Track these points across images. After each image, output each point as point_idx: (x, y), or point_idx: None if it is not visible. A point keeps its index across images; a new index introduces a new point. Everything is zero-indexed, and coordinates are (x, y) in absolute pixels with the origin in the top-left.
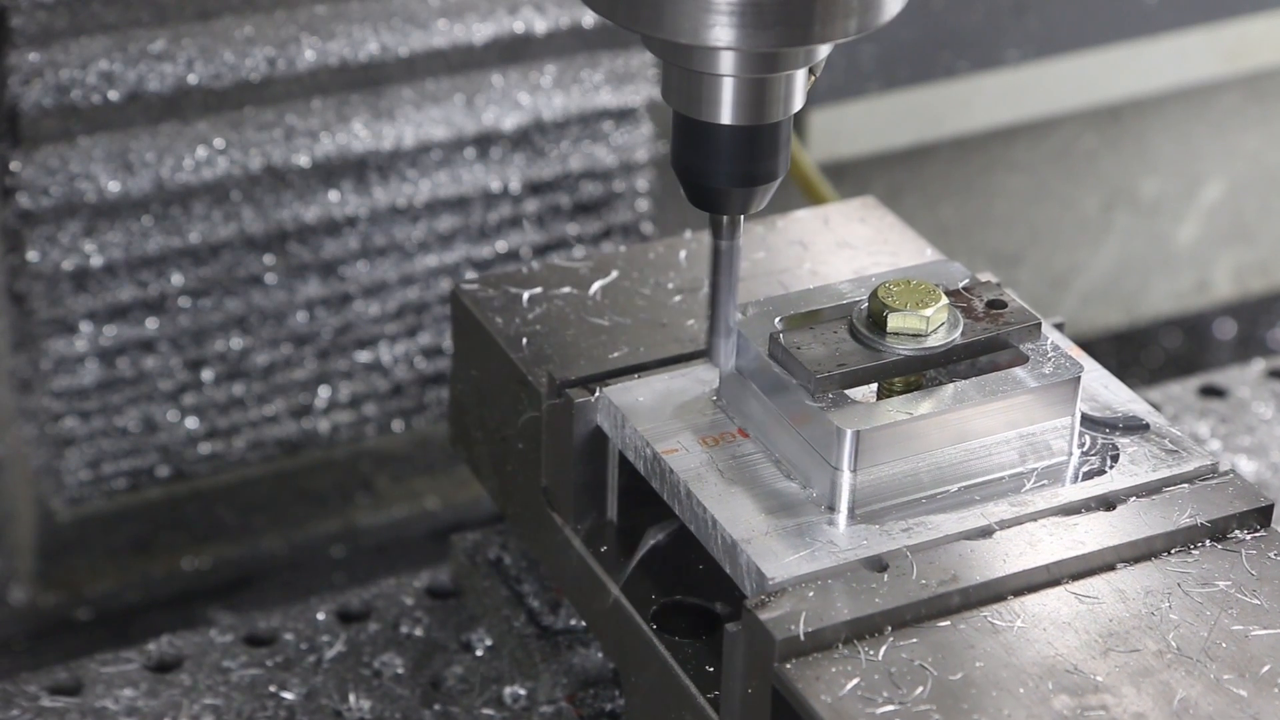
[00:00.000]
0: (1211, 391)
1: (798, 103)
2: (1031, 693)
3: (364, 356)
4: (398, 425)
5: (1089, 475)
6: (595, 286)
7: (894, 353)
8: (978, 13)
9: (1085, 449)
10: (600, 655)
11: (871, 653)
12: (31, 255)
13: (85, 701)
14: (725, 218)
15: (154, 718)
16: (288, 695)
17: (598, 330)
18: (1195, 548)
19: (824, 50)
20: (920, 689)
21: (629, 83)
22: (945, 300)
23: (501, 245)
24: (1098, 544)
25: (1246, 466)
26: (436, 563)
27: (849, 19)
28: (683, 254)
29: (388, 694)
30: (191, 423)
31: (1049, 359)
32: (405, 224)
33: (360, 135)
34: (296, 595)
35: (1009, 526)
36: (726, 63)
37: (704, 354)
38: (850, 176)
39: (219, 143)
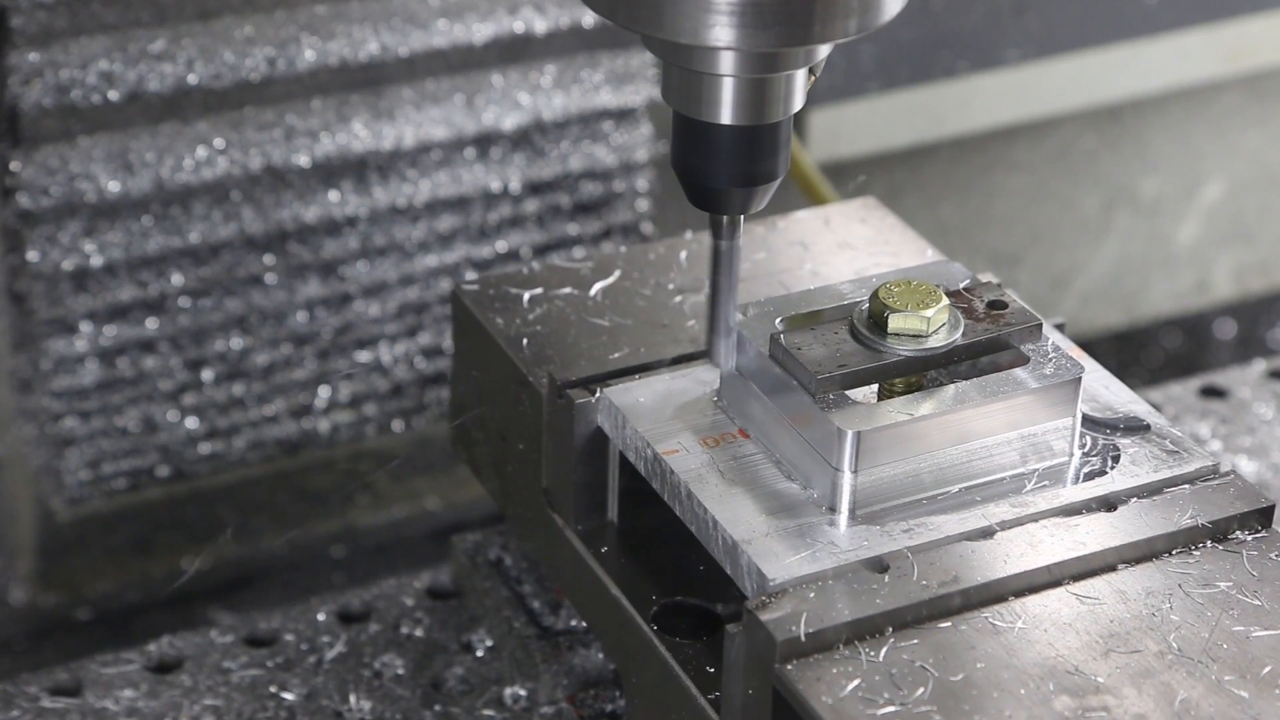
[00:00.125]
0: (1212, 392)
1: (798, 103)
2: (1032, 694)
3: (364, 356)
4: (398, 425)
5: (1090, 476)
6: (596, 287)
7: (895, 353)
8: (978, 13)
9: (1086, 450)
10: (601, 656)
11: (872, 654)
12: (31, 255)
13: (85, 702)
14: (725, 218)
15: (154, 718)
16: (288, 696)
17: (598, 331)
18: (1196, 548)
19: (824, 50)
20: (921, 690)
21: (629, 83)
22: (946, 301)
23: (501, 245)
24: (1099, 545)
25: (1247, 467)
26: (436, 563)
27: (849, 19)
28: (683, 254)
29: (388, 695)
30: (191, 423)
31: (1050, 360)
32: (405, 224)
33: (360, 135)
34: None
35: (1010, 527)
36: (726, 63)
37: (705, 355)
38: (850, 177)
39: (219, 143)
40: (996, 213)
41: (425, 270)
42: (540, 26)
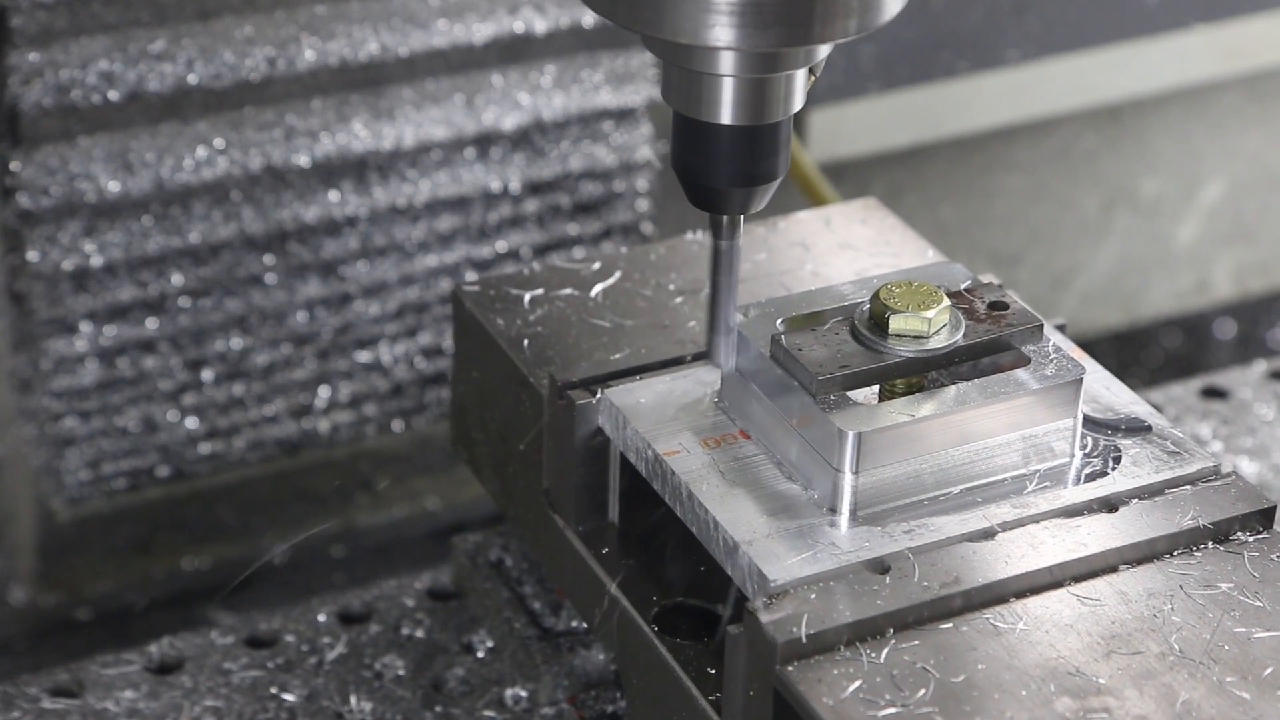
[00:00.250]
0: (1213, 393)
1: (798, 103)
2: (1034, 695)
3: (364, 356)
4: (398, 425)
5: (1091, 477)
6: (597, 288)
7: (896, 354)
8: (978, 13)
9: (1087, 451)
10: (601, 657)
11: (873, 655)
12: (31, 255)
13: (86, 703)
14: (725, 218)
15: (155, 719)
16: (289, 697)
17: (599, 332)
18: (1198, 550)
19: (824, 50)
20: (922, 691)
21: (629, 83)
22: (947, 302)
23: (501, 245)
24: (1100, 546)
25: (1248, 468)
26: (436, 563)
27: (849, 19)
28: (684, 255)
29: (389, 695)
30: (191, 423)
31: (1051, 361)
32: (405, 224)
33: (360, 135)
34: (296, 595)
35: (1011, 528)
36: (726, 63)
37: (705, 355)
38: (850, 176)
39: (219, 143)
40: (996, 213)
41: (425, 270)
42: (540, 26)
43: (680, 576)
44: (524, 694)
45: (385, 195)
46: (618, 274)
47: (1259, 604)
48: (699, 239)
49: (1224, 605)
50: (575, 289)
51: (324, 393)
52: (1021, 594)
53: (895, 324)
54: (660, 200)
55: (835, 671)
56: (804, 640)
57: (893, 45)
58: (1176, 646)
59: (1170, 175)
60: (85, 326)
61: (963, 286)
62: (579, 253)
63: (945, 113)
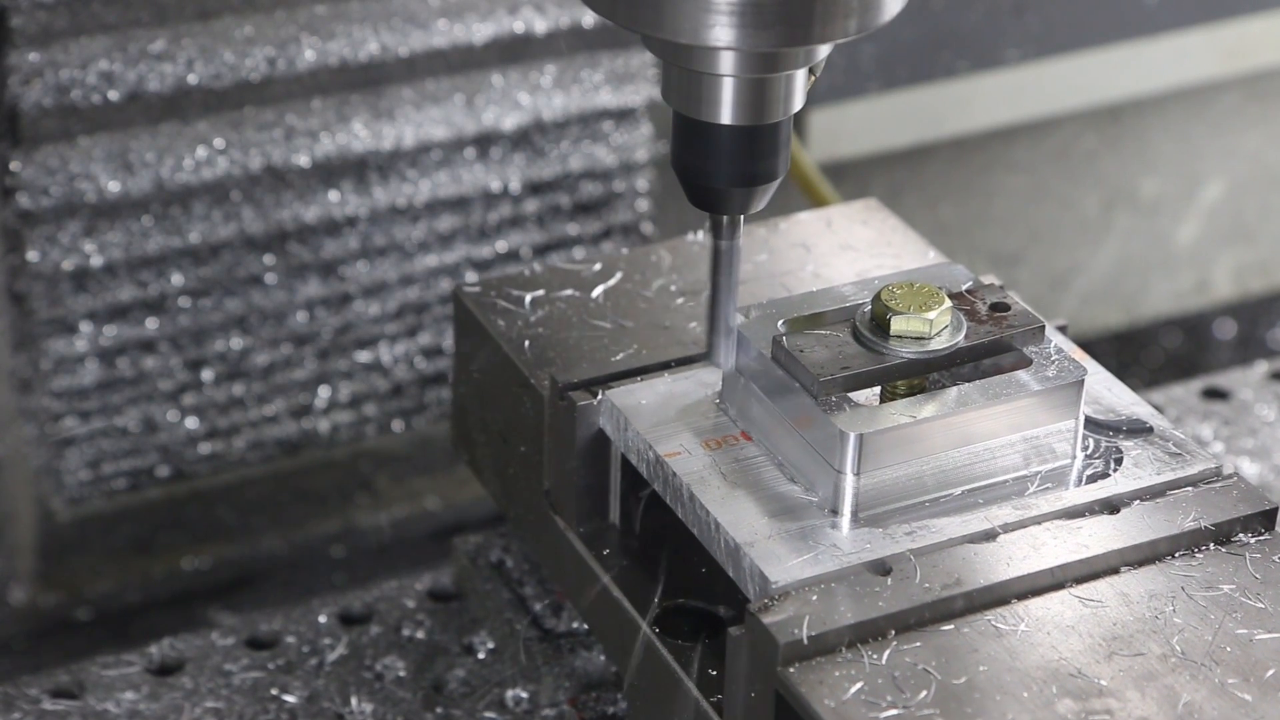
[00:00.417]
0: (1214, 394)
1: (798, 103)
2: (1035, 697)
3: (364, 356)
4: (398, 425)
5: (1093, 478)
6: (597, 289)
7: (897, 355)
8: (978, 13)
9: (1089, 452)
10: (602, 658)
11: (875, 657)
12: (31, 255)
13: (86, 704)
14: (725, 218)
15: None
16: (289, 698)
17: (600, 333)
18: (1199, 551)
19: (824, 50)
20: (924, 693)
21: (629, 83)
22: (948, 303)
23: (501, 245)
24: (1101, 547)
25: (1250, 469)
26: (437, 563)
27: (849, 19)
28: (685, 256)
29: (389, 697)
30: (191, 423)
31: (1052, 362)
32: (405, 224)
33: (360, 135)
34: (296, 595)
35: (1013, 530)
36: (726, 63)
37: (706, 356)
38: (850, 176)
39: (219, 143)
40: (996, 213)
41: (425, 270)
42: (540, 26)
43: (681, 578)
44: (525, 695)
45: (385, 195)
46: (619, 275)
47: (1261, 605)
48: (700, 240)
49: (1226, 607)
50: (576, 290)
51: (324, 393)
52: (1023, 595)
53: (897, 325)
54: (660, 200)
55: (837, 673)
56: (805, 642)
57: (893, 45)
58: (1178, 648)
59: (1170, 175)
60: (85, 326)
61: (964, 288)
62: (579, 253)
63: (945, 113)
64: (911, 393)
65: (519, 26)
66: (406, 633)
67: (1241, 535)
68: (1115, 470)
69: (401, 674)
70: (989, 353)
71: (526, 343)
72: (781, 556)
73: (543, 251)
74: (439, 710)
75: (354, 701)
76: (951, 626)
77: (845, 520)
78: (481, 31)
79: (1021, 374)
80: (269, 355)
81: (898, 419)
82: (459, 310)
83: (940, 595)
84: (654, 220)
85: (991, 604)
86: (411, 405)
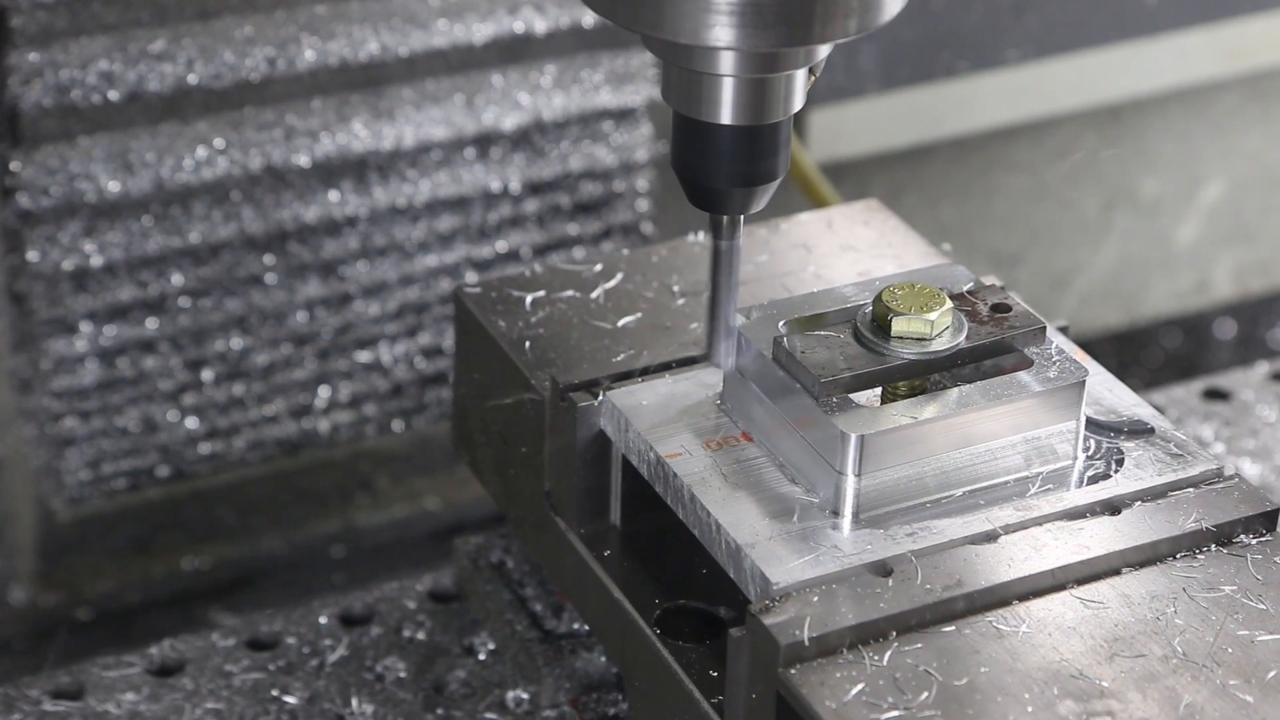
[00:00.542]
0: (1215, 394)
1: (798, 103)
2: (1037, 698)
3: (364, 356)
4: (398, 425)
5: (1094, 479)
6: (598, 289)
7: (898, 356)
8: (978, 13)
9: (1090, 453)
10: (603, 659)
11: (876, 658)
12: (31, 255)
13: (87, 705)
14: (725, 218)
15: None
16: (290, 699)
17: (601, 333)
18: (1201, 552)
19: (824, 50)
20: (925, 694)
21: (629, 83)
22: (949, 304)
23: (501, 245)
24: (1103, 549)
25: (1251, 470)
26: (436, 563)
27: (849, 19)
28: (686, 257)
29: (390, 698)
30: (191, 423)
31: (1054, 363)
32: (405, 224)
33: (360, 135)
34: (296, 595)
35: (1014, 531)
36: (726, 63)
37: (707, 357)
38: (850, 177)
39: (219, 143)
40: (996, 213)
41: (425, 270)
42: (540, 26)
43: (682, 579)
44: (525, 696)
45: (385, 195)
46: (619, 275)
47: (1262, 607)
48: (700, 240)
49: (1227, 608)
50: (577, 290)
51: (324, 393)
52: (1024, 597)
53: (898, 326)
54: (660, 200)
55: (838, 674)
56: (806, 643)
57: (893, 45)
58: (1179, 649)
59: (1170, 175)
60: (85, 326)
61: (965, 289)
62: (579, 253)
63: (945, 113)
64: (913, 394)
65: (519, 26)
66: (407, 634)
67: (1243, 536)
68: (1116, 471)
69: (402, 675)
70: (990, 354)
71: (527, 343)
72: (782, 558)
73: (543, 251)
74: (440, 711)
75: (355, 703)
76: (953, 628)
77: (846, 521)
78: (481, 31)
79: (1023, 375)
80: (269, 355)
81: (899, 420)
82: (459, 311)
83: (941, 596)
84: (654, 220)
85: (993, 605)
86: (411, 405)
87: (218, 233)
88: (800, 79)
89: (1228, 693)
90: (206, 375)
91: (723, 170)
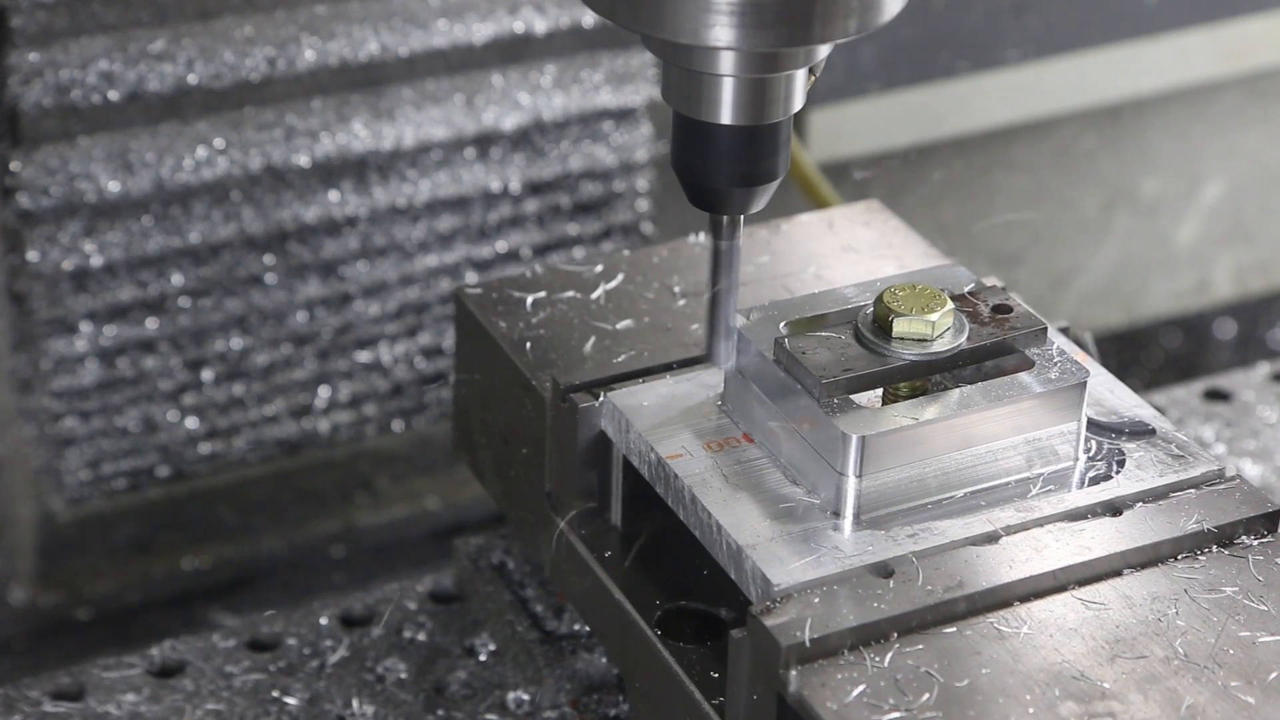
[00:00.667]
0: (1216, 395)
1: (798, 103)
2: (1038, 699)
3: (364, 356)
4: (398, 425)
5: (1095, 481)
6: (599, 290)
7: (899, 357)
8: (978, 13)
9: (1091, 454)
10: (604, 661)
11: (877, 659)
12: (31, 255)
13: (87, 706)
14: (725, 218)
15: None
16: (290, 700)
17: (602, 334)
18: (1202, 553)
19: (824, 50)
20: (926, 696)
21: (629, 83)
22: (951, 305)
23: (501, 245)
24: (1104, 550)
25: (1252, 470)
26: (436, 563)
27: (849, 19)
28: (686, 258)
29: (391, 699)
30: (191, 423)
31: (1055, 364)
32: (405, 224)
33: (360, 135)
34: (296, 596)
35: (1015, 532)
36: (726, 63)
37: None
38: (850, 177)
39: (219, 143)
40: (996, 213)
41: (425, 270)
42: (540, 26)
43: (683, 580)
44: (526, 697)
45: (385, 195)
46: (620, 276)
47: (1264, 608)
48: (701, 241)
49: (1229, 609)
50: (577, 291)
51: (324, 393)
52: (1025, 598)
53: (899, 327)
54: (660, 200)
55: (839, 676)
56: (808, 644)
57: (893, 45)
58: (1181, 651)
59: (1170, 175)
60: (85, 326)
61: (966, 289)
62: (579, 253)
63: (945, 113)
64: (914, 395)
65: (519, 26)
66: (408, 635)
67: (1244, 537)
68: (1117, 472)
69: (403, 676)
70: (991, 355)
71: (528, 344)
72: (783, 559)
73: (543, 251)
74: (440, 712)
75: (355, 704)
76: (954, 629)
77: (847, 522)
78: (481, 31)
79: (1024, 376)
80: (269, 355)
81: (900, 421)
82: (460, 312)
83: (942, 598)
84: (654, 220)
85: (994, 606)
86: (411, 405)
87: (218, 233)
88: (800, 79)
89: (1229, 694)
90: (206, 375)
91: (723, 170)
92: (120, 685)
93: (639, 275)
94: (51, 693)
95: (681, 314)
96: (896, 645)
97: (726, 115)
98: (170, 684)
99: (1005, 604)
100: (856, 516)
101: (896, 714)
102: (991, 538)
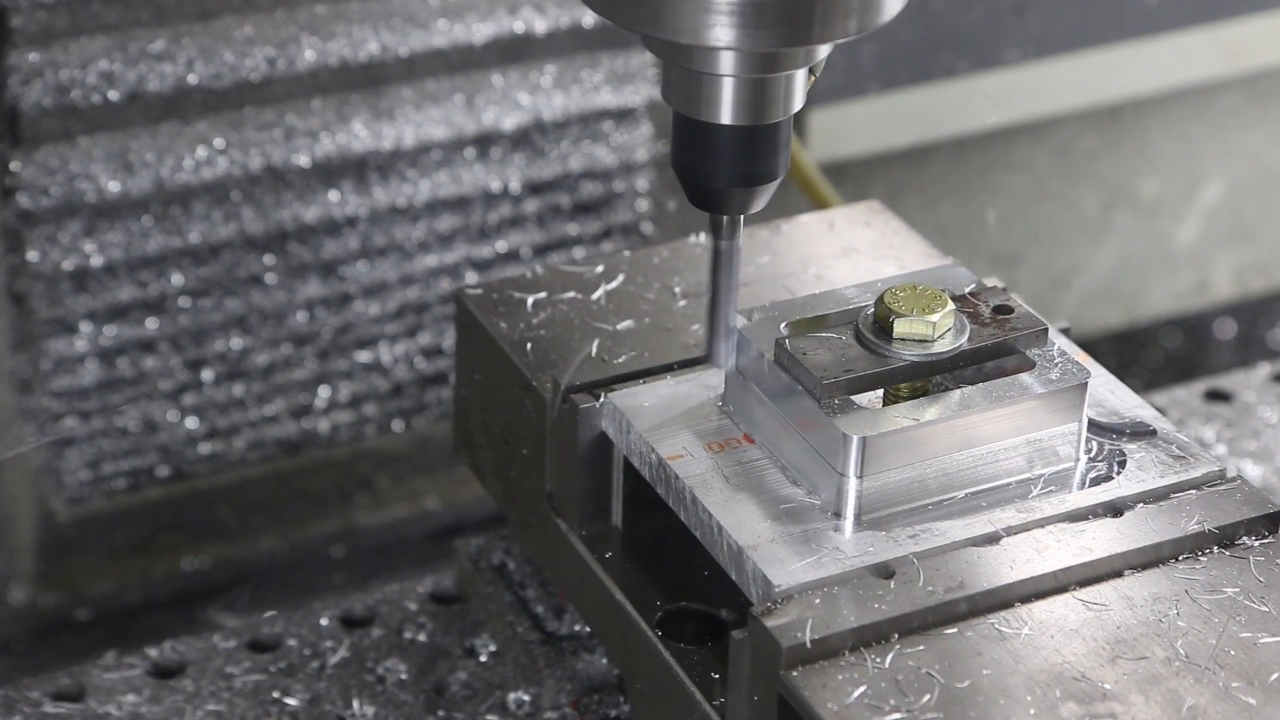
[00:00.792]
0: (1216, 396)
1: (798, 103)
2: (1039, 700)
3: (364, 356)
4: (398, 425)
5: (1096, 481)
6: (600, 291)
7: (900, 358)
8: (978, 13)
9: (1092, 455)
10: (604, 661)
11: (878, 660)
12: (31, 255)
13: (88, 707)
14: (725, 218)
15: None
16: (291, 701)
17: (602, 335)
18: (1203, 554)
19: (824, 50)
20: (927, 697)
21: (629, 83)
22: (951, 305)
23: (501, 245)
24: (1105, 551)
25: (1252, 471)
26: (436, 563)
27: (849, 19)
28: (687, 258)
29: (391, 700)
30: (191, 423)
31: (1056, 365)
32: (405, 224)
33: (360, 135)
34: (296, 597)
35: (1016, 533)
36: (726, 63)
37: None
38: (850, 177)
39: (219, 143)
40: (996, 212)
41: (425, 270)
42: (540, 26)
43: (683, 580)
44: (526, 698)
45: (385, 195)
46: (620, 277)
47: (1265, 609)
48: (701, 242)
49: (1230, 610)
50: (578, 292)
51: (324, 393)
52: (1026, 599)
53: (900, 328)
54: (660, 200)
55: (840, 677)
56: (808, 645)
57: (893, 45)
58: (1182, 652)
59: (1170, 175)
60: (85, 326)
61: (967, 290)
62: (579, 253)
63: (945, 113)
64: (914, 395)
65: (519, 26)
66: (408, 635)
67: (1245, 538)
68: (1118, 473)
69: (403, 677)
70: (992, 355)
71: (528, 345)
72: (784, 560)
73: (543, 251)
74: (441, 713)
75: (356, 704)
76: (955, 630)
77: (848, 523)
78: (481, 31)
79: (1025, 377)
80: (269, 355)
81: (901, 422)
82: (461, 313)
83: (943, 598)
84: (654, 220)
85: (995, 607)
86: (411, 405)
87: (218, 233)
88: (800, 79)
89: (1230, 695)
90: (206, 375)
91: (723, 170)
92: (120, 686)
93: (639, 276)
94: (52, 693)
95: (682, 314)
96: (897, 646)
97: (726, 115)
98: (170, 685)
99: (1006, 605)
100: (857, 517)
101: (897, 715)
102: (992, 538)
